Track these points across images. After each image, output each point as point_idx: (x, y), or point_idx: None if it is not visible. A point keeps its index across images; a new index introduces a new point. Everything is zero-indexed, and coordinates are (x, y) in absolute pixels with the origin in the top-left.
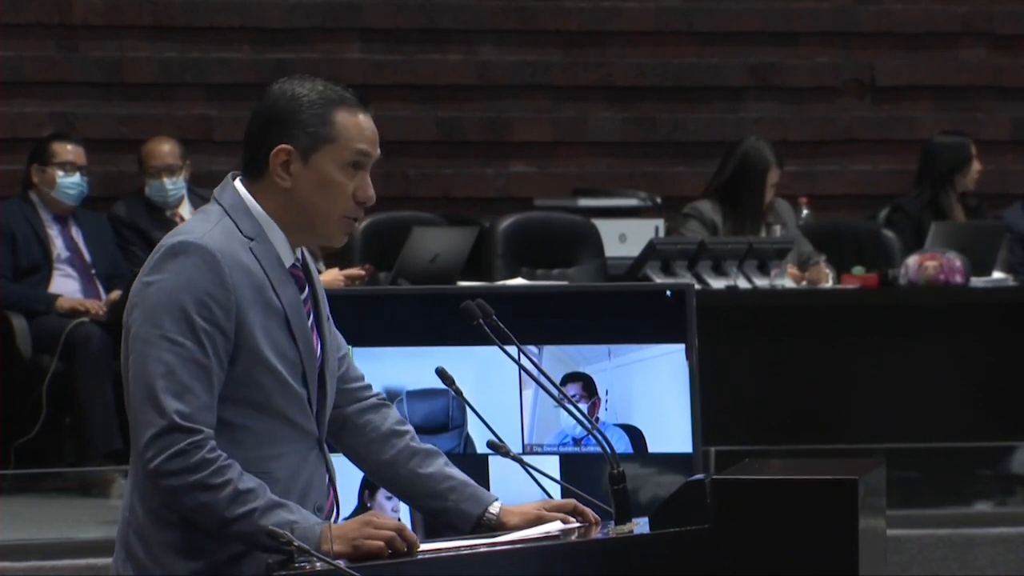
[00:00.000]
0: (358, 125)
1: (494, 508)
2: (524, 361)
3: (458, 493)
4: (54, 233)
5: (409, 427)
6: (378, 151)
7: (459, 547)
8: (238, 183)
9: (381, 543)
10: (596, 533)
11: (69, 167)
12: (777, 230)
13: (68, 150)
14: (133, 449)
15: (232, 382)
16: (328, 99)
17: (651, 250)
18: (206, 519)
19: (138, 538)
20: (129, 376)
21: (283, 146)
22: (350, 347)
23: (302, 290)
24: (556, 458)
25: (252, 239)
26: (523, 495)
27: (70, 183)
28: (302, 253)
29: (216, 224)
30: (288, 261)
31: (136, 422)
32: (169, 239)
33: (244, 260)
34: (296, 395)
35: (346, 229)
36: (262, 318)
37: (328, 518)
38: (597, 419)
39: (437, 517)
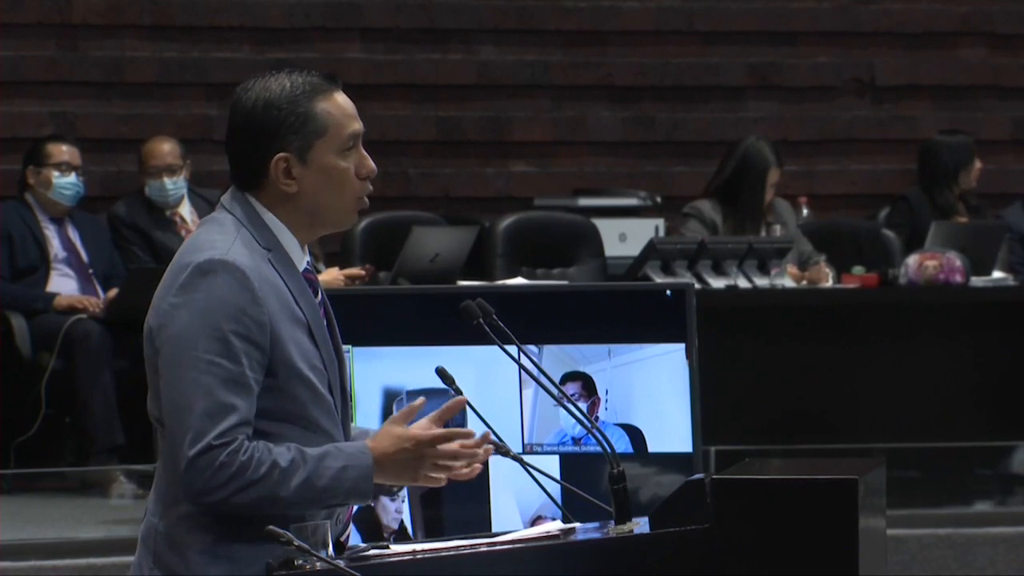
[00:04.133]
0: (339, 108)
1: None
2: (524, 361)
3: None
4: (51, 233)
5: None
6: (361, 123)
7: (459, 547)
8: (245, 192)
9: (442, 475)
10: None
11: (65, 167)
12: (777, 230)
13: (63, 151)
14: (163, 460)
15: (269, 395)
16: (302, 93)
17: (651, 250)
18: (268, 508)
19: (168, 545)
20: (165, 400)
21: (280, 155)
22: (350, 347)
23: (315, 294)
24: (556, 457)
25: (269, 250)
26: (523, 495)
27: (66, 183)
28: (310, 255)
29: (236, 237)
30: (301, 266)
31: (175, 445)
32: (194, 256)
33: (268, 273)
34: (327, 404)
35: (358, 208)
36: (290, 330)
37: (346, 527)
38: (597, 418)
39: None
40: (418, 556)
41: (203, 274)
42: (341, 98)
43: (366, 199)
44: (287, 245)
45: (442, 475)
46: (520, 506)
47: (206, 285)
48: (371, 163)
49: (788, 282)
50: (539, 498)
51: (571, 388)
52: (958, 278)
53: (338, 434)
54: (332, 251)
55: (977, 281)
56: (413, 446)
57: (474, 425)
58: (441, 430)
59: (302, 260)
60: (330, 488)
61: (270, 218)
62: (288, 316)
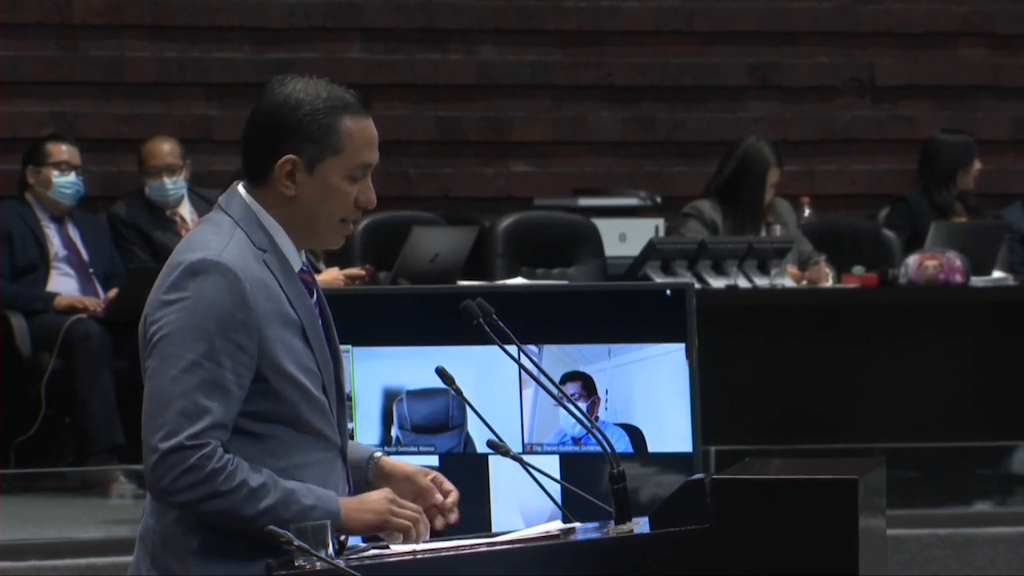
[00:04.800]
0: (363, 134)
1: (377, 454)
2: (524, 361)
3: (348, 448)
4: (51, 232)
5: None
6: (377, 157)
7: (459, 547)
8: (243, 191)
9: (408, 524)
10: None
11: (64, 167)
12: (777, 230)
13: (63, 150)
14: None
15: (258, 397)
16: (333, 107)
17: (651, 250)
18: (228, 523)
19: (166, 546)
20: (145, 393)
21: (289, 157)
22: (350, 347)
23: (311, 295)
24: (556, 457)
25: (265, 251)
26: (523, 495)
27: (66, 183)
28: (307, 256)
29: (231, 238)
30: (297, 266)
31: (147, 442)
32: (186, 255)
33: (261, 275)
34: (320, 405)
35: (344, 232)
36: (281, 332)
37: None
38: (596, 418)
39: None
40: (418, 556)
41: (194, 274)
42: (368, 125)
43: (351, 224)
44: (283, 246)
45: (407, 528)
46: (521, 508)
47: (196, 285)
48: (373, 196)
49: (788, 282)
50: (540, 499)
51: (571, 388)
52: (958, 278)
53: (333, 434)
54: (332, 251)
55: (977, 281)
56: (388, 502)
57: (474, 425)
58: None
59: (297, 260)
60: (292, 522)
61: (267, 219)
62: (280, 318)
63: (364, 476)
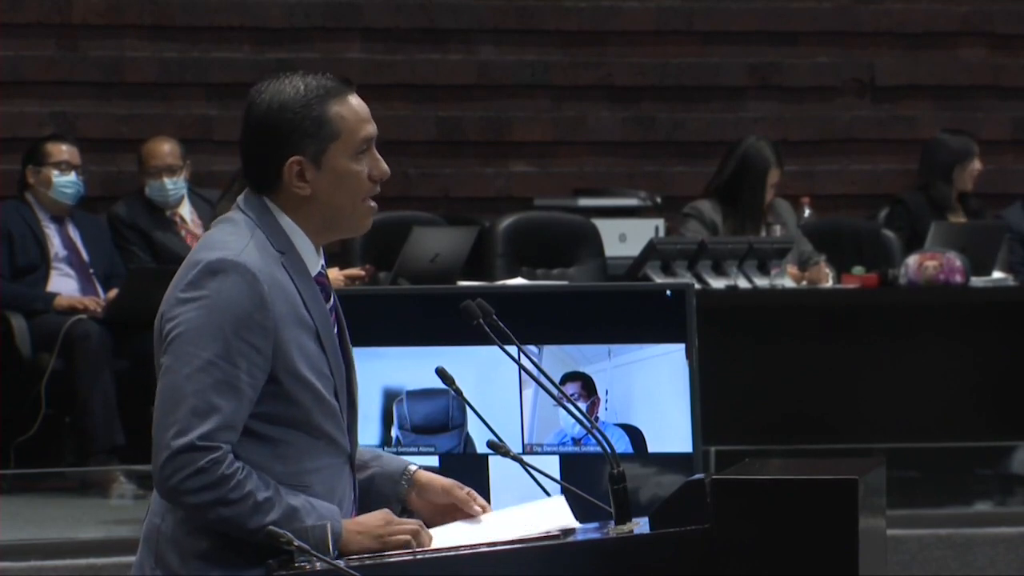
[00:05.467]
0: (354, 111)
1: (411, 467)
2: (524, 361)
3: (382, 460)
4: (51, 232)
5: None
6: (375, 126)
7: (459, 547)
8: (260, 193)
9: (408, 537)
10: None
11: (64, 167)
12: (777, 230)
13: (63, 150)
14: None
15: (271, 400)
16: (316, 96)
17: (651, 250)
18: (228, 531)
19: (171, 546)
20: (158, 389)
21: (294, 158)
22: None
23: (327, 299)
24: (556, 458)
25: (283, 253)
26: (523, 495)
27: (66, 182)
28: (323, 259)
29: (250, 239)
30: (314, 270)
31: (158, 439)
32: (206, 254)
33: (279, 277)
34: (332, 410)
35: (370, 212)
36: (297, 335)
37: None
38: (596, 418)
39: (366, 486)
40: (418, 556)
41: (212, 273)
42: (355, 101)
43: (372, 202)
44: (301, 248)
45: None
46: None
47: (215, 284)
48: (384, 166)
49: (788, 282)
50: (539, 498)
51: (571, 388)
52: (958, 278)
53: (343, 440)
54: (332, 251)
55: (977, 281)
56: (385, 524)
57: (474, 425)
58: (412, 528)
59: (316, 264)
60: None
61: (285, 221)
62: (295, 321)
63: (396, 490)
